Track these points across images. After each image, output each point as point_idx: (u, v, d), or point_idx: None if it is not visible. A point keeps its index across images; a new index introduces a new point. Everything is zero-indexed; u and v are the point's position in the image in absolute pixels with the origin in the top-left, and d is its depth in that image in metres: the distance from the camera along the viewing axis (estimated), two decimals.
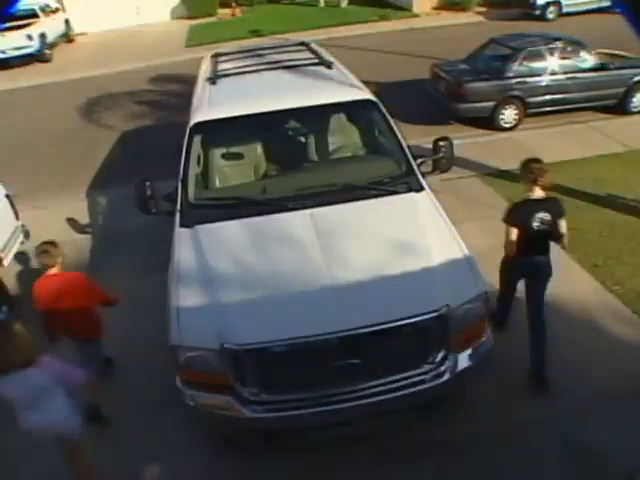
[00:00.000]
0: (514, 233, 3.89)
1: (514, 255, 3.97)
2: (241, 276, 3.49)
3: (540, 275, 4.03)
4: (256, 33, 16.95)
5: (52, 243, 3.90)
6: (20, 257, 5.95)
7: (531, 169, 3.92)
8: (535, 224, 3.86)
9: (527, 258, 3.98)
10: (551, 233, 3.92)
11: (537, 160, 3.98)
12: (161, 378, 3.86)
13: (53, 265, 3.84)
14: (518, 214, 3.94)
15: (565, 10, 16.58)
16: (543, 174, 3.89)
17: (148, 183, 4.32)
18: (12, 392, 2.93)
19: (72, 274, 4.00)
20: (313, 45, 6.21)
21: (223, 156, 4.87)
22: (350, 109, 4.92)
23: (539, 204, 3.91)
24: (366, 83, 5.10)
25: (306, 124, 4.99)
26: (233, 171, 4.76)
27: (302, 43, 6.34)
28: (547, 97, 8.78)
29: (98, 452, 3.75)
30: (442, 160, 4.53)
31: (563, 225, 3.94)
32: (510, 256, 4.02)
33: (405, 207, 3.94)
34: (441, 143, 4.53)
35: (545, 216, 3.86)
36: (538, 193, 3.93)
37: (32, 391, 2.94)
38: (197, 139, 4.45)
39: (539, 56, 8.80)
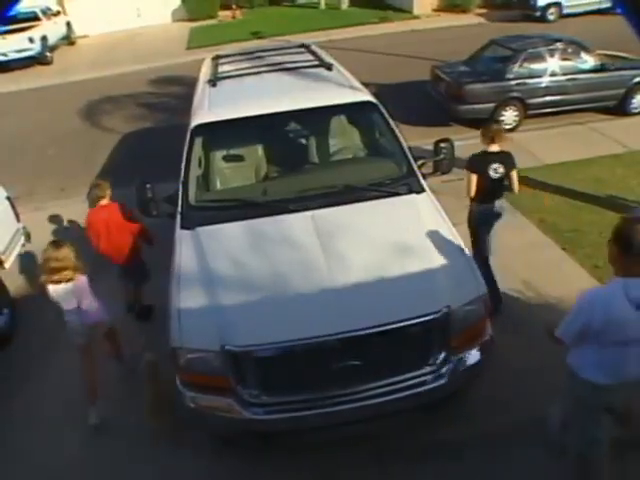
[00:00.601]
0: (474, 178, 4.66)
1: (475, 200, 4.74)
2: (242, 278, 3.49)
3: (496, 218, 4.78)
4: (257, 35, 16.98)
5: (103, 180, 4.97)
6: (21, 259, 5.96)
7: (491, 129, 4.78)
8: (491, 173, 4.62)
9: (486, 204, 4.74)
10: (504, 181, 4.70)
11: (496, 122, 5.02)
12: (161, 378, 3.87)
13: (103, 197, 4.72)
14: (477, 163, 4.69)
15: (565, 11, 16.59)
16: (499, 134, 4.73)
17: (149, 185, 4.33)
18: (57, 297, 3.96)
19: (118, 204, 4.79)
20: (313, 47, 6.22)
21: (224, 158, 4.88)
22: (350, 111, 4.92)
23: (494, 156, 4.67)
24: (366, 85, 5.12)
25: (306, 126, 5.00)
26: (234, 173, 4.78)
27: (302, 45, 6.34)
28: (547, 98, 8.79)
29: (101, 454, 3.79)
30: (443, 161, 4.54)
31: (514, 175, 4.74)
32: (471, 199, 4.75)
33: (406, 208, 3.95)
34: (442, 144, 4.55)
35: (499, 167, 4.63)
36: (494, 148, 4.68)
37: (66, 299, 3.95)
38: (198, 141, 4.46)
39: (539, 57, 8.80)
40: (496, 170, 4.61)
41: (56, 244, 3.92)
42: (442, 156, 4.53)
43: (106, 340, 4.35)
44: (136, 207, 4.46)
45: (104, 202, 4.74)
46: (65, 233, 6.79)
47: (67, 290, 3.89)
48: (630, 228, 2.63)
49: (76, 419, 4.04)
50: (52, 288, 3.91)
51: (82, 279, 3.95)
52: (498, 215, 4.76)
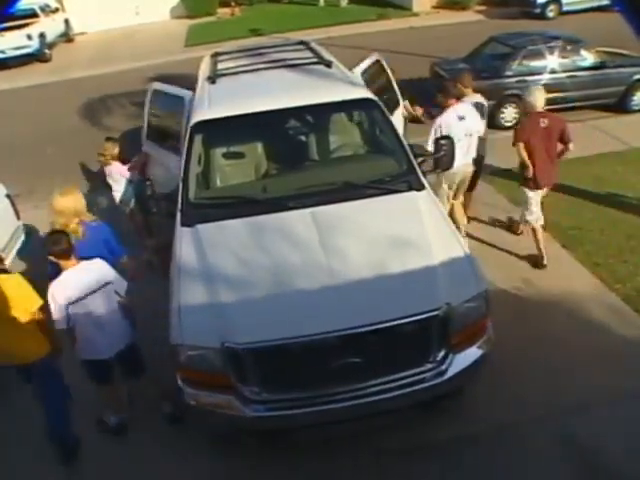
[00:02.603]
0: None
1: None
2: (242, 275, 3.49)
3: None
4: (256, 32, 16.91)
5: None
6: (21, 257, 5.95)
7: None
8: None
9: None
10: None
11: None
12: (160, 377, 3.86)
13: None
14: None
15: (565, 8, 16.55)
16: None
17: (148, 182, 4.33)
18: (114, 172, 5.81)
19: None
20: (312, 44, 6.20)
21: (223, 155, 4.87)
22: (350, 108, 4.92)
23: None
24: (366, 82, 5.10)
25: (306, 123, 4.99)
26: (234, 170, 4.77)
27: (301, 42, 6.32)
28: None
29: (102, 454, 3.78)
30: (443, 159, 4.53)
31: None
32: None
33: (406, 206, 3.94)
34: (442, 142, 4.54)
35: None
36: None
37: (120, 174, 5.79)
38: (197, 138, 4.44)
39: (539, 55, 8.80)
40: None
41: (109, 139, 5.92)
42: (442, 153, 4.52)
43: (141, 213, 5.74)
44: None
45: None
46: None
47: (123, 168, 5.73)
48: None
49: (77, 417, 4.03)
50: (114, 165, 5.75)
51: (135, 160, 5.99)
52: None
